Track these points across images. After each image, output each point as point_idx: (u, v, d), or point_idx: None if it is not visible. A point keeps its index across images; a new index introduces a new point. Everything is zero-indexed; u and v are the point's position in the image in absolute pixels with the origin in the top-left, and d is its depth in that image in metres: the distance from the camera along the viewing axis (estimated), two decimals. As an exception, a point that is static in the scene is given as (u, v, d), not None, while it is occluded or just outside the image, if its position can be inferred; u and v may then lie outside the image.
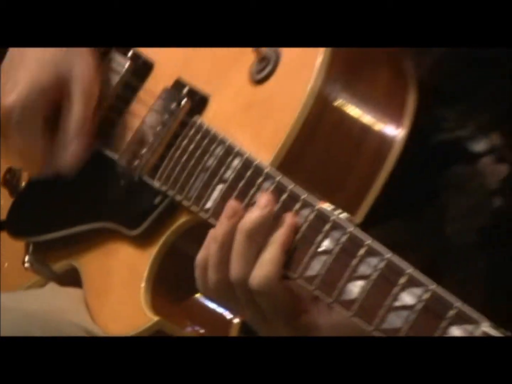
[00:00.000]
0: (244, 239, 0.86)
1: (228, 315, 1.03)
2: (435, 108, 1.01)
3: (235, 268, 0.87)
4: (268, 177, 0.87)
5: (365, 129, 0.94)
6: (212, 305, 1.05)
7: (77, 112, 1.07)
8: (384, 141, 0.92)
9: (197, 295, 1.03)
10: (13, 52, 1.17)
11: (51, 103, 1.08)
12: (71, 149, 1.06)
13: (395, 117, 0.94)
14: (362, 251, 0.80)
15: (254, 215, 0.87)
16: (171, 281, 1.01)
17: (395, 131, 0.92)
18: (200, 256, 0.89)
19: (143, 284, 0.99)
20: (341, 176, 0.92)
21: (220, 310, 1.04)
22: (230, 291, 0.89)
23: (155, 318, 0.96)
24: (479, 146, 0.99)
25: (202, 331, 1.06)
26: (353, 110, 0.94)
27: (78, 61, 1.11)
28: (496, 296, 1.00)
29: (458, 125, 1.01)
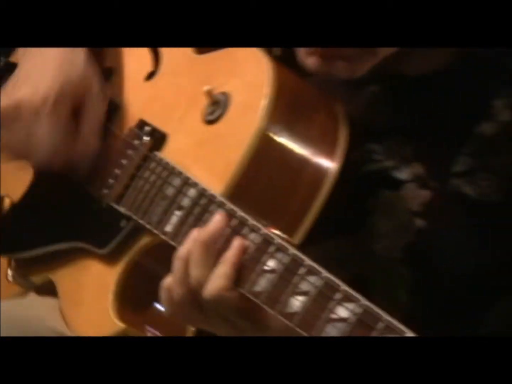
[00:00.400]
0: (201, 249, 0.94)
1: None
2: (366, 143, 1.10)
3: (195, 275, 0.94)
4: (220, 204, 0.95)
5: (303, 163, 1.02)
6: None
7: (95, 112, 1.18)
8: (319, 173, 1.01)
9: (157, 305, 1.11)
10: (32, 51, 1.26)
11: (77, 99, 1.17)
12: (87, 143, 1.16)
13: (329, 152, 1.03)
14: (302, 270, 0.88)
15: (209, 227, 0.94)
16: (135, 293, 1.10)
17: (329, 164, 1.01)
18: (166, 280, 0.97)
19: (111, 297, 1.07)
20: (283, 203, 1.00)
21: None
22: (194, 303, 0.96)
23: (121, 325, 1.05)
24: (403, 174, 1.09)
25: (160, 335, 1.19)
26: (293, 147, 1.03)
27: (95, 74, 1.21)
28: (418, 305, 1.09)
29: (385, 157, 1.11)
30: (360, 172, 1.11)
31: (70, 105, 1.17)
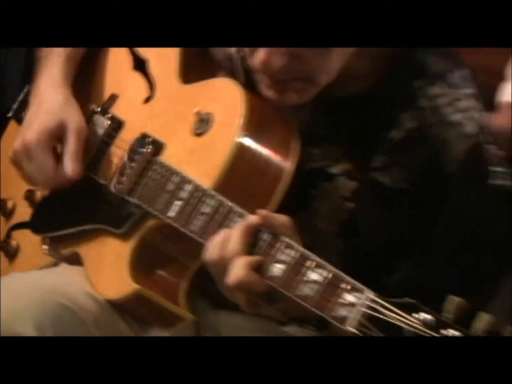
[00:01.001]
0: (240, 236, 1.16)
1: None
2: (308, 147, 1.35)
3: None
4: (211, 196, 1.21)
5: (268, 163, 1.29)
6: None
7: (71, 146, 1.41)
8: (279, 171, 1.28)
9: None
10: (33, 106, 1.49)
11: (54, 140, 1.41)
12: (69, 170, 1.39)
13: (286, 155, 1.30)
14: (281, 245, 1.14)
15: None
16: (145, 262, 1.33)
17: (286, 164, 1.28)
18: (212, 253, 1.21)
19: (126, 265, 1.30)
20: (254, 193, 1.27)
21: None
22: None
23: (136, 286, 1.27)
24: (335, 170, 1.36)
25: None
26: (260, 152, 1.29)
27: (72, 113, 1.44)
28: (347, 265, 1.22)
29: (322, 158, 1.37)
30: (305, 169, 1.35)
31: (49, 144, 1.42)
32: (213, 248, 1.22)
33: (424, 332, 1.06)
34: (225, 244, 1.21)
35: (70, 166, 1.42)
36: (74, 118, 1.46)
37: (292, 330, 1.43)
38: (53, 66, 1.53)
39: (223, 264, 1.21)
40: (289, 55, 1.28)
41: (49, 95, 1.49)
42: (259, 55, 1.27)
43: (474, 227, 1.40)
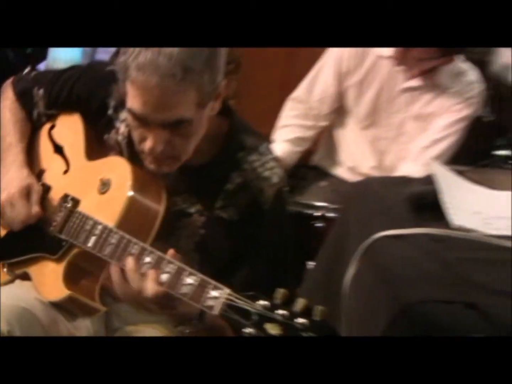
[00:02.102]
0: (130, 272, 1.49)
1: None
2: (174, 196, 1.69)
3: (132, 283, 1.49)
4: (115, 232, 1.56)
5: (148, 208, 1.63)
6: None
7: (35, 198, 1.76)
8: (155, 212, 1.64)
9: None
10: (6, 177, 1.81)
11: (25, 195, 1.75)
12: (35, 213, 1.73)
13: (159, 202, 1.64)
14: (166, 263, 1.47)
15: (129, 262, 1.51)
16: (74, 277, 1.68)
17: (159, 207, 1.64)
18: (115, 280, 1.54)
19: (61, 279, 1.66)
20: (141, 228, 1.62)
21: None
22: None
23: (68, 291, 1.65)
24: (192, 209, 1.73)
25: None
26: (143, 202, 1.65)
27: (33, 180, 1.80)
28: (205, 272, 1.52)
29: (182, 203, 1.72)
30: (172, 211, 1.70)
31: (24, 197, 1.75)
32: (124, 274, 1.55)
33: (264, 312, 1.36)
34: (138, 268, 1.53)
35: (36, 210, 1.75)
36: (34, 182, 1.80)
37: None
38: (17, 155, 1.87)
39: (128, 283, 1.54)
40: (166, 143, 1.58)
41: (18, 171, 1.83)
42: (147, 144, 1.59)
43: (280, 243, 1.77)
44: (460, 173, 1.94)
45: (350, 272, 1.50)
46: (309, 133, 2.75)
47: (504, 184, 2.04)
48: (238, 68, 2.93)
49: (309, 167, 2.84)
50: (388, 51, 2.56)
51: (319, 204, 2.32)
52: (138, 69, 1.50)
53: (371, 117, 2.74)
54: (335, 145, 2.81)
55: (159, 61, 1.48)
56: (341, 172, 2.81)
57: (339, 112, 2.78)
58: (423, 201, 1.66)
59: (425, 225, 1.58)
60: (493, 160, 2.66)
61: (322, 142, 2.88)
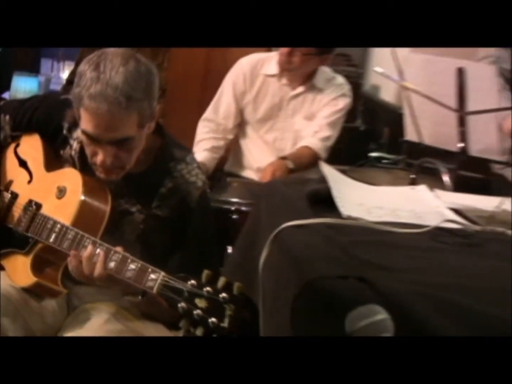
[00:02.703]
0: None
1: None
2: (118, 198, 1.90)
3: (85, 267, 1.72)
4: (71, 229, 1.79)
5: (97, 209, 1.84)
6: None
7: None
8: (103, 211, 1.86)
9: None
10: None
11: None
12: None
13: (105, 203, 1.86)
14: (114, 253, 1.69)
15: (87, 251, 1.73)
16: (40, 267, 1.89)
17: (106, 207, 1.86)
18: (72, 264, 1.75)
19: (29, 269, 1.87)
20: (92, 226, 1.84)
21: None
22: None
23: (35, 278, 1.86)
24: (133, 209, 1.95)
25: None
26: (92, 203, 1.86)
27: None
28: (149, 260, 1.72)
29: (125, 203, 1.94)
30: (117, 210, 1.90)
31: None
32: (81, 261, 1.76)
33: (193, 290, 1.55)
34: (91, 258, 1.74)
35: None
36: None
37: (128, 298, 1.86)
38: None
39: (82, 269, 1.75)
40: (113, 156, 1.81)
41: None
42: (99, 158, 1.81)
43: (205, 233, 2.01)
44: (343, 172, 2.18)
45: (263, 255, 1.59)
46: (221, 143, 3.25)
47: (377, 179, 2.29)
48: (164, 93, 3.53)
49: (224, 171, 3.35)
50: (273, 70, 3.13)
51: (234, 200, 2.70)
52: (90, 99, 1.74)
53: (268, 124, 3.22)
54: (243, 152, 3.33)
55: (107, 92, 1.73)
56: (250, 174, 3.30)
57: (241, 125, 3.30)
58: (319, 197, 1.79)
59: (322, 216, 1.67)
60: (369, 160, 3.13)
61: (232, 151, 3.39)
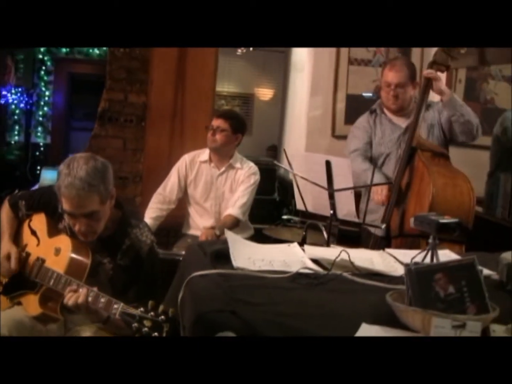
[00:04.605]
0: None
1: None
2: (95, 254, 2.52)
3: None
4: (63, 276, 2.37)
5: (82, 262, 2.48)
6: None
7: (13, 259, 2.56)
8: (85, 263, 2.48)
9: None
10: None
11: (7, 256, 2.53)
12: (14, 268, 2.53)
13: (87, 258, 2.49)
14: (91, 291, 2.32)
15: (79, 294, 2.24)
16: (45, 300, 2.44)
17: (87, 262, 2.49)
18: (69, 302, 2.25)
19: (37, 303, 2.44)
20: (77, 274, 2.42)
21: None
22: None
23: (41, 310, 2.43)
24: (104, 261, 2.50)
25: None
26: (77, 259, 2.49)
27: (14, 249, 2.59)
28: (116, 295, 2.22)
29: (100, 257, 2.49)
30: (93, 262, 2.44)
31: (6, 260, 2.52)
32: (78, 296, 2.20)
33: (142, 314, 1.94)
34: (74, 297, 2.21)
35: (14, 265, 2.52)
36: (14, 250, 2.58)
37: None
38: (5, 237, 2.63)
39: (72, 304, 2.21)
40: (86, 225, 2.37)
41: (6, 244, 2.58)
42: (77, 227, 2.37)
43: (153, 276, 2.53)
44: (262, 230, 3.13)
45: (180, 295, 1.88)
46: (164, 213, 4.35)
47: (283, 234, 3.18)
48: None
49: (182, 233, 4.42)
50: (205, 157, 4.25)
51: (177, 252, 3.63)
52: (65, 188, 2.33)
53: (204, 196, 4.25)
54: (192, 217, 4.36)
55: (75, 182, 2.31)
56: (194, 231, 4.29)
57: (188, 198, 4.33)
58: (221, 253, 2.19)
59: (219, 267, 2.01)
60: (282, 221, 4.07)
61: (185, 217, 4.42)
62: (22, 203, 2.75)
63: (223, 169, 4.19)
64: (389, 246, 3.05)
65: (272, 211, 4.27)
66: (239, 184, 4.15)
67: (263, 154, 6.15)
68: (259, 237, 3.79)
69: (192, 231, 4.28)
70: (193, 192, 4.24)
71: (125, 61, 4.77)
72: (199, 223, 4.25)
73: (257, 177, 4.18)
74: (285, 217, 4.09)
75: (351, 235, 3.52)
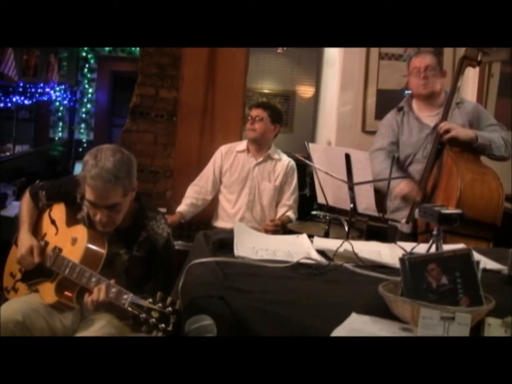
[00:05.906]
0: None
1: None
2: (111, 245, 2.59)
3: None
4: (80, 267, 2.42)
5: (97, 253, 2.54)
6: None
7: (36, 252, 2.61)
8: (101, 253, 2.58)
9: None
10: (20, 240, 2.68)
11: (30, 249, 2.60)
12: (36, 260, 2.60)
13: (103, 249, 2.54)
14: (105, 281, 2.51)
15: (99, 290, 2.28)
16: (61, 288, 2.49)
17: (103, 252, 2.59)
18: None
19: (53, 291, 2.50)
20: (94, 266, 2.48)
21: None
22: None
23: (57, 298, 2.49)
24: (121, 252, 2.57)
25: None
26: (93, 249, 2.57)
27: (34, 241, 2.65)
28: (130, 285, 2.37)
29: (117, 248, 2.55)
30: (110, 252, 2.51)
31: (29, 254, 2.60)
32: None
33: (150, 305, 1.97)
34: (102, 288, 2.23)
35: (36, 260, 2.57)
36: (34, 244, 2.62)
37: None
38: (25, 228, 2.70)
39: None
40: (107, 216, 2.41)
41: (24, 237, 2.64)
42: (97, 217, 2.41)
43: (168, 268, 2.53)
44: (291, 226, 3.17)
45: (180, 282, 1.85)
46: (200, 203, 4.30)
47: (309, 229, 3.13)
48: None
49: (212, 225, 4.37)
50: (243, 147, 4.19)
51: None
52: (91, 178, 2.36)
53: (240, 185, 4.23)
54: (221, 205, 4.35)
55: (102, 174, 2.34)
56: (224, 223, 4.24)
57: (221, 188, 4.30)
58: (226, 243, 2.21)
59: (219, 255, 2.02)
60: (311, 216, 4.02)
61: (216, 208, 4.37)
62: (43, 193, 2.80)
63: (261, 159, 4.20)
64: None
65: (302, 206, 4.21)
66: (279, 176, 4.18)
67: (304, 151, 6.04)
68: (285, 233, 3.68)
69: (221, 223, 4.26)
70: (228, 181, 4.24)
71: (157, 57, 4.83)
72: (230, 212, 4.24)
73: (296, 174, 4.24)
74: (314, 212, 4.04)
75: (380, 231, 3.46)
